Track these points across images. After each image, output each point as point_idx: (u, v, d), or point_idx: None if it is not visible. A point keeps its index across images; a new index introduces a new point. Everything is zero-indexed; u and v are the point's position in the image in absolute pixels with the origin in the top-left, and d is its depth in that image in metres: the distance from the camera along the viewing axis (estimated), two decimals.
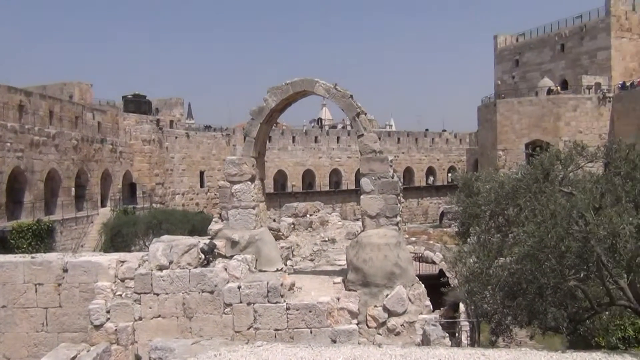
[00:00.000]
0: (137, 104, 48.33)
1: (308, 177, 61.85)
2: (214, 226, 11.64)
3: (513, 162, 39.72)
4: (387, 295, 10.42)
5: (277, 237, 16.16)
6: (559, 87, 50.60)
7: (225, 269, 10.53)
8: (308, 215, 19.06)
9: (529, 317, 7.83)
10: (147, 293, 10.44)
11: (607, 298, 7.71)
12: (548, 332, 9.47)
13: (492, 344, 8.20)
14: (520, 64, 60.68)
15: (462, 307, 17.58)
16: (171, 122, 51.42)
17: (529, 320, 8.07)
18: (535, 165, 7.80)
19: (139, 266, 10.75)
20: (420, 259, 28.05)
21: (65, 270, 11.38)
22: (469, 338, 15.10)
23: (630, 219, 6.14)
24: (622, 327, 11.89)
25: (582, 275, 7.06)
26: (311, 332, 10.10)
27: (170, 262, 10.53)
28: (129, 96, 49.32)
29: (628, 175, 6.53)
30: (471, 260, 7.71)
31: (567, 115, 45.29)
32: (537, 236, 6.50)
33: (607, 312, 9.00)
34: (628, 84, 46.54)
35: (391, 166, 11.40)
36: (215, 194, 45.60)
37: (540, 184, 7.53)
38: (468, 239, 8.45)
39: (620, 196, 6.47)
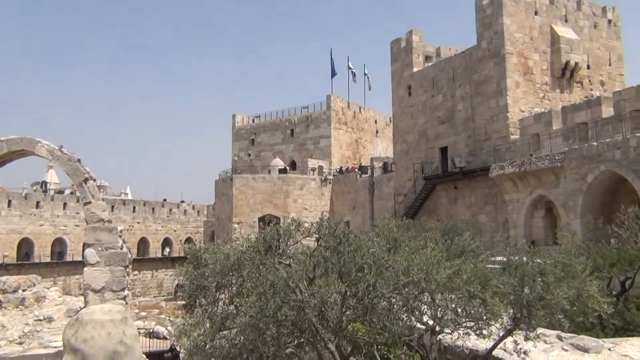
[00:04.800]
0: None
1: (25, 246, 54.49)
2: None
3: (247, 234, 41.60)
4: None
5: None
6: (287, 168, 55.59)
7: None
8: (20, 291, 16.75)
9: None
10: None
11: None
12: None
13: None
14: (256, 143, 65.22)
15: None
16: None
17: None
18: (258, 239, 8.38)
19: None
20: (150, 334, 26.71)
21: None
22: None
23: (336, 288, 6.99)
24: None
25: (298, 341, 7.64)
26: None
27: None
28: None
29: (334, 250, 7.47)
30: (196, 334, 7.71)
31: (295, 192, 49.82)
32: (257, 306, 6.88)
33: None
34: (344, 169, 53.74)
35: (121, 236, 10.91)
36: None
37: (262, 256, 8.09)
38: (194, 311, 8.48)
39: (328, 268, 7.34)
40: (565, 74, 32.71)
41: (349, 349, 8.42)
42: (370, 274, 7.02)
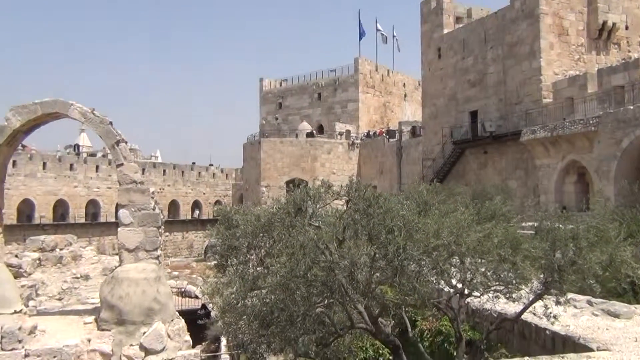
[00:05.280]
0: None
1: (61, 207, 56.05)
2: None
3: (275, 197, 41.96)
4: (144, 332, 9.97)
5: (18, 275, 14.30)
6: (315, 132, 55.45)
7: None
8: (58, 250, 17.31)
9: (282, 345, 8.29)
10: None
11: (348, 322, 8.59)
12: (300, 357, 10.15)
13: None
14: (283, 107, 65.05)
15: (223, 340, 17.70)
16: None
17: (282, 348, 8.54)
18: (288, 201, 8.45)
19: None
20: (182, 293, 27.52)
21: None
22: None
23: (365, 250, 7.04)
24: (364, 348, 13.30)
25: (327, 302, 7.77)
26: None
27: None
28: None
29: (364, 212, 7.50)
30: (228, 292, 7.90)
31: (322, 156, 49.81)
32: (288, 266, 6.99)
33: (349, 335, 10.01)
34: (371, 133, 53.35)
35: (153, 198, 11.10)
36: None
37: (292, 218, 8.17)
38: (226, 271, 8.66)
39: (358, 230, 7.38)
40: (602, 35, 31.44)
41: (378, 310, 8.54)
42: (400, 236, 7.04)
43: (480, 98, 34.60)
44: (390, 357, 11.31)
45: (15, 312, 9.98)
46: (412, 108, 64.12)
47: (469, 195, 14.24)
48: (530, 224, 10.64)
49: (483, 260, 7.83)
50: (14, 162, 49.85)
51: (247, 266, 8.45)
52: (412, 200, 8.41)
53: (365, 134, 53.83)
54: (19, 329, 9.05)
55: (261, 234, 8.41)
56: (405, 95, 65.85)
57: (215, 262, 9.97)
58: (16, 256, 15.97)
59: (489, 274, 7.67)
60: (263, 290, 7.97)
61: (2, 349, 8.86)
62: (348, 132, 53.25)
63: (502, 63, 32.75)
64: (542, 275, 8.04)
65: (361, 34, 62.27)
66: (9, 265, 12.27)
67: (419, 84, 51.47)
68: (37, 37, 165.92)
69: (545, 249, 7.74)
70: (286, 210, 8.27)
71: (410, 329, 10.12)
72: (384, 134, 49.86)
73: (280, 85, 67.21)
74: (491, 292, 7.92)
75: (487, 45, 34.06)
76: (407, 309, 10.13)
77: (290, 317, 7.39)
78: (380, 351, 12.96)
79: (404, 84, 65.92)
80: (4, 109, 10.50)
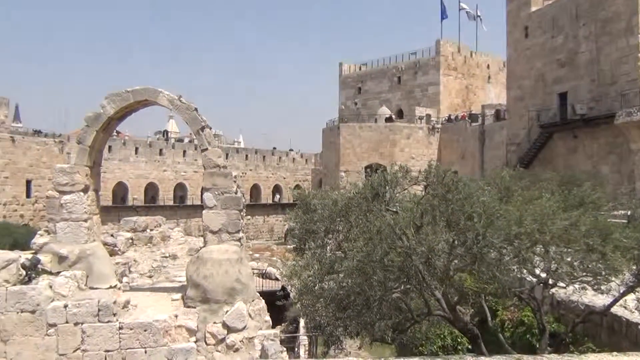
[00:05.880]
0: None
1: (151, 190, 59.28)
2: (38, 240, 10.68)
3: (352, 182, 42.08)
4: (227, 311, 10.39)
5: (113, 253, 15.31)
6: (394, 116, 54.79)
7: (50, 287, 9.71)
8: (148, 230, 18.36)
9: (358, 328, 8.36)
10: None
11: (425, 309, 8.51)
12: (376, 342, 10.19)
13: (324, 355, 8.62)
14: (362, 92, 64.74)
15: (302, 321, 18.11)
16: None
17: (358, 331, 8.62)
18: (366, 185, 8.45)
19: None
20: (263, 275, 28.38)
21: None
22: (307, 352, 15.58)
23: (443, 236, 6.93)
24: (442, 336, 13.14)
25: (404, 287, 7.74)
26: (146, 352, 9.69)
27: None
28: None
29: (443, 198, 7.35)
30: (305, 275, 8.05)
31: (402, 141, 49.20)
32: (364, 251, 7.02)
33: (426, 322, 9.92)
34: (453, 117, 51.97)
35: (235, 181, 11.47)
36: (44, 206, 41.60)
37: (369, 203, 8.17)
38: (304, 254, 8.83)
39: (436, 216, 7.26)
40: None
41: (456, 297, 8.39)
42: (480, 223, 6.85)
43: (571, 79, 32.70)
44: (469, 346, 11.11)
45: (111, 287, 10.72)
46: (496, 90, 61.70)
47: (556, 182, 13.56)
48: (623, 212, 10.00)
49: (569, 250, 7.47)
50: (110, 148, 53.20)
51: (325, 250, 8.56)
52: (494, 186, 8.14)
53: (447, 118, 52.52)
54: (114, 302, 9.71)
55: (338, 219, 8.48)
56: (489, 77, 63.45)
57: (293, 245, 10.18)
58: (112, 235, 17.13)
59: (575, 264, 7.31)
60: (340, 274, 8.06)
61: (99, 321, 9.55)
62: (428, 116, 52.18)
63: (595, 41, 30.71)
64: (634, 267, 7.56)
65: (443, 15, 60.55)
66: (105, 244, 13.17)
67: (504, 65, 49.36)
68: (138, 29, 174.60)
69: (639, 238, 7.26)
70: (363, 195, 8.28)
71: (490, 319, 9.86)
72: (466, 118, 48.43)
73: (360, 69, 66.86)
74: (577, 283, 7.55)
75: (578, 22, 32.05)
76: (487, 298, 9.87)
77: (366, 301, 7.43)
78: (459, 340, 12.75)
79: (488, 65, 63.48)
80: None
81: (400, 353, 12.22)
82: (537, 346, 9.52)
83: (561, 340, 9.13)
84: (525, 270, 7.90)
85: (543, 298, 9.33)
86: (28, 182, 46.65)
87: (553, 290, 9.63)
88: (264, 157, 69.83)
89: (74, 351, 9.41)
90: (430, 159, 48.24)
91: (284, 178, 71.42)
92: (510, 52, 39.10)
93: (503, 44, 40.10)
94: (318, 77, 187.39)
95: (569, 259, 7.42)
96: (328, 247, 8.68)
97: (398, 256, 6.92)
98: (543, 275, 8.31)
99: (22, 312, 9.36)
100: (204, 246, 11.21)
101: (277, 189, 70.73)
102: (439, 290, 7.92)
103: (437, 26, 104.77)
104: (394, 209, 8.14)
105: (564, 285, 8.17)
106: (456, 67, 59.48)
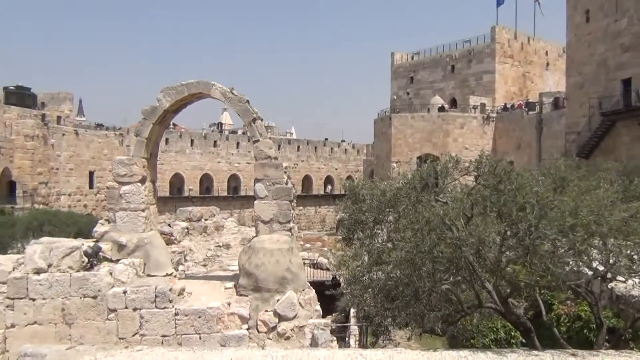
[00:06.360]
0: (20, 97, 44.85)
1: (206, 181, 60.77)
2: (99, 228, 11.20)
3: (401, 173, 41.64)
4: (278, 300, 10.59)
5: (169, 242, 15.83)
6: (447, 106, 53.78)
7: (111, 273, 10.18)
8: (203, 220, 18.84)
9: (407, 319, 8.32)
10: (21, 298, 9.82)
11: (476, 301, 8.37)
12: (426, 333, 10.11)
13: (373, 345, 8.65)
14: (415, 81, 63.82)
15: (352, 311, 18.16)
16: (59, 118, 48.30)
17: (407, 322, 8.58)
18: (415, 176, 8.37)
19: (14, 269, 10.08)
20: (314, 265, 28.57)
21: None
22: (357, 342, 15.64)
23: (494, 228, 6.79)
24: (495, 329, 12.90)
25: (453, 279, 7.64)
26: (200, 338, 10.03)
27: (50, 266, 9.99)
28: (11, 88, 45.71)
29: (494, 188, 7.19)
30: (354, 265, 8.08)
31: (455, 131, 48.25)
32: (413, 242, 6.97)
33: (477, 314, 9.76)
34: (509, 106, 50.49)
35: (285, 172, 11.62)
36: (105, 196, 43.36)
37: (418, 193, 8.09)
38: (353, 245, 8.85)
39: (487, 206, 7.11)
40: None
41: (508, 290, 8.21)
42: (533, 214, 6.66)
43: (635, 64, 31.10)
44: (523, 340, 10.86)
45: (167, 274, 11.13)
46: (555, 78, 59.48)
47: (617, 172, 12.98)
48: None
49: (629, 243, 7.16)
50: (166, 140, 54.84)
51: (373, 240, 8.57)
52: (548, 176, 7.89)
53: (502, 107, 51.08)
54: (170, 290, 10.07)
55: (387, 209, 8.46)
56: (547, 64, 61.22)
57: (342, 235, 10.23)
58: (168, 225, 17.70)
59: (635, 257, 7.00)
60: (389, 265, 8.03)
61: (156, 307, 9.94)
62: (483, 105, 50.92)
63: None
64: None
65: (499, 1, 58.75)
66: (162, 233, 13.63)
67: (563, 51, 47.46)
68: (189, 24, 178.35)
69: None
70: (412, 186, 8.21)
71: (544, 312, 9.59)
72: (523, 107, 46.95)
73: (412, 58, 65.89)
74: (637, 277, 7.23)
75: None
76: (542, 291, 9.60)
77: (415, 292, 7.39)
78: (512, 333, 12.48)
79: (546, 52, 61.24)
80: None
81: (451, 345, 12.09)
82: (594, 342, 9.20)
83: (620, 336, 8.78)
84: (581, 263, 7.64)
85: (601, 292, 9.00)
86: (91, 174, 48.80)
87: (612, 284, 9.27)
88: (315, 148, 70.13)
89: (133, 335, 9.84)
90: (484, 150, 47.13)
91: (336, 169, 71.53)
92: (570, 37, 37.56)
93: (562, 29, 38.60)
94: (370, 67, 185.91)
95: (628, 252, 7.12)
96: (378, 238, 8.68)
97: (447, 247, 6.84)
98: (601, 268, 8.01)
99: (84, 297, 9.87)
100: (256, 236, 11.44)
101: (329, 180, 70.95)
102: (489, 282, 7.77)
103: (493, 13, 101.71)
104: (444, 200, 8.04)
105: (623, 279, 7.86)
106: (512, 55, 57.67)
